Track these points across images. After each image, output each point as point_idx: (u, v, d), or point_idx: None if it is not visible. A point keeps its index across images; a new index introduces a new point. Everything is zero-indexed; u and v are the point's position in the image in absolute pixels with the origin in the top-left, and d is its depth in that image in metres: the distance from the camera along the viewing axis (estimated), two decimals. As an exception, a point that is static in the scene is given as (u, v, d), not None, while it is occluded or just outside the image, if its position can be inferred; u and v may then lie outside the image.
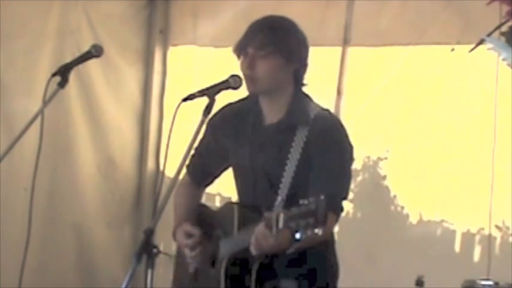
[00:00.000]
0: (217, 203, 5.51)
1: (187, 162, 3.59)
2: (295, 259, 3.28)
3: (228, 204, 3.53)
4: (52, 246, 6.03)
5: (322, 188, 3.18)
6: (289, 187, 3.29)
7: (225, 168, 3.63)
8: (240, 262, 3.30)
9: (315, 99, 3.46)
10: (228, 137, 3.50)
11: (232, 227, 3.34)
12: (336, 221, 3.32)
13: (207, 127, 3.52)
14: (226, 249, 3.37)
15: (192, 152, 3.58)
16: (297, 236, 2.73)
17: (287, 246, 3.03)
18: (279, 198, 3.28)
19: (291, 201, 3.22)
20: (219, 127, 3.51)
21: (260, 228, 3.02)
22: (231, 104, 3.53)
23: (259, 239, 3.05)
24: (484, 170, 4.71)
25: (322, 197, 2.72)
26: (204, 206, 3.72)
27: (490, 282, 3.95)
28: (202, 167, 3.61)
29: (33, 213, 3.67)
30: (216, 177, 3.68)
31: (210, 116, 3.20)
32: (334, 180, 3.25)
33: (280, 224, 2.87)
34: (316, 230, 2.69)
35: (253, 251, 3.12)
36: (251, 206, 3.37)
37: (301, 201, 2.77)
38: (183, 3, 6.34)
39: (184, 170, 3.26)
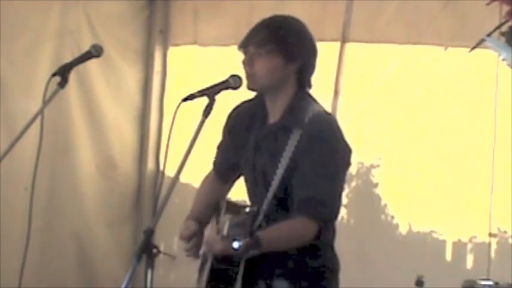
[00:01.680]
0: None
1: (213, 158, 3.64)
2: (286, 258, 3.29)
3: (223, 201, 3.53)
4: (52, 246, 6.03)
5: (299, 192, 3.21)
6: (277, 189, 3.27)
7: None
8: (228, 257, 3.26)
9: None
10: (239, 136, 3.51)
11: (219, 223, 3.35)
12: (320, 225, 3.24)
13: (224, 126, 3.57)
14: None
15: (216, 150, 3.63)
16: (235, 245, 2.73)
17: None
18: (265, 201, 3.28)
19: (279, 203, 3.25)
20: (233, 126, 3.54)
21: (212, 232, 3.10)
22: (245, 102, 3.54)
23: (209, 241, 3.12)
24: (483, 174, 4.71)
25: (255, 208, 2.76)
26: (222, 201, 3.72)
27: (490, 282, 3.95)
28: (225, 164, 3.61)
29: (33, 213, 3.67)
30: (240, 173, 3.63)
31: (222, 112, 3.26)
32: (312, 185, 3.22)
33: (225, 231, 2.92)
34: (248, 240, 2.70)
35: (205, 250, 3.17)
36: (240, 204, 3.36)
37: (242, 210, 2.78)
38: (183, 3, 6.34)
39: (186, 169, 3.25)
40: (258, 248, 2.98)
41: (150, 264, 2.70)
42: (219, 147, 3.63)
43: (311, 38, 3.39)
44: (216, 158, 3.65)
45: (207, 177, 3.69)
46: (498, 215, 4.68)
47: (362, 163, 5.23)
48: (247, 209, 2.75)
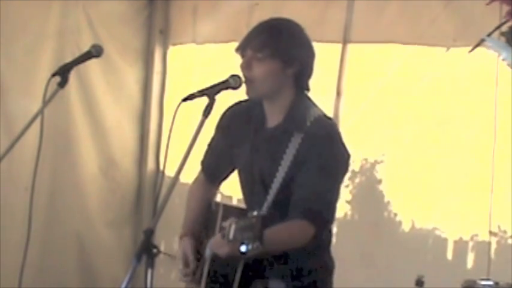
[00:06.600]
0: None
1: (201, 158, 3.63)
2: (282, 258, 3.28)
3: (217, 205, 3.53)
4: (52, 246, 6.04)
5: (300, 195, 3.20)
6: (277, 192, 3.27)
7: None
8: (225, 261, 3.25)
9: (314, 100, 3.42)
10: (233, 137, 3.50)
11: (216, 226, 3.37)
12: (319, 229, 3.23)
13: (217, 125, 3.56)
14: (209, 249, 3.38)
15: (206, 148, 3.62)
16: (242, 248, 2.74)
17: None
18: (265, 204, 3.28)
19: (278, 206, 3.24)
20: (227, 126, 3.52)
21: (217, 236, 3.09)
22: (240, 102, 3.51)
23: (214, 246, 3.10)
24: (484, 173, 4.70)
25: (262, 212, 2.75)
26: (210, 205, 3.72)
27: (490, 282, 3.95)
28: (215, 164, 3.60)
29: (33, 213, 3.67)
30: (229, 173, 3.64)
31: (221, 112, 3.28)
32: (314, 188, 3.21)
33: (231, 235, 2.90)
34: (257, 244, 2.70)
35: (209, 253, 3.18)
36: (237, 207, 3.37)
37: (249, 213, 2.78)
38: (183, 3, 6.35)
39: (186, 169, 3.25)
40: (260, 250, 2.98)
41: (150, 264, 2.71)
42: (209, 145, 3.62)
43: (308, 40, 3.37)
44: (206, 157, 3.64)
45: (195, 181, 3.68)
46: (498, 215, 4.68)
47: (366, 159, 5.22)
48: (255, 213, 2.75)
